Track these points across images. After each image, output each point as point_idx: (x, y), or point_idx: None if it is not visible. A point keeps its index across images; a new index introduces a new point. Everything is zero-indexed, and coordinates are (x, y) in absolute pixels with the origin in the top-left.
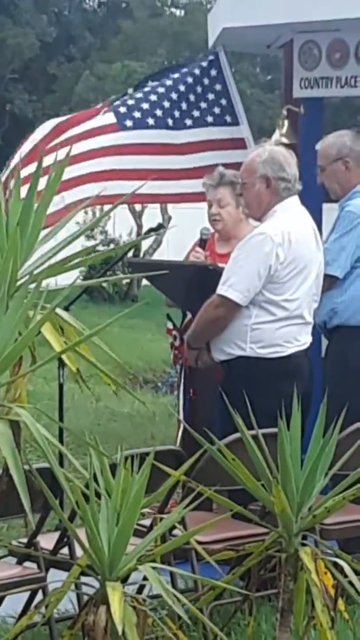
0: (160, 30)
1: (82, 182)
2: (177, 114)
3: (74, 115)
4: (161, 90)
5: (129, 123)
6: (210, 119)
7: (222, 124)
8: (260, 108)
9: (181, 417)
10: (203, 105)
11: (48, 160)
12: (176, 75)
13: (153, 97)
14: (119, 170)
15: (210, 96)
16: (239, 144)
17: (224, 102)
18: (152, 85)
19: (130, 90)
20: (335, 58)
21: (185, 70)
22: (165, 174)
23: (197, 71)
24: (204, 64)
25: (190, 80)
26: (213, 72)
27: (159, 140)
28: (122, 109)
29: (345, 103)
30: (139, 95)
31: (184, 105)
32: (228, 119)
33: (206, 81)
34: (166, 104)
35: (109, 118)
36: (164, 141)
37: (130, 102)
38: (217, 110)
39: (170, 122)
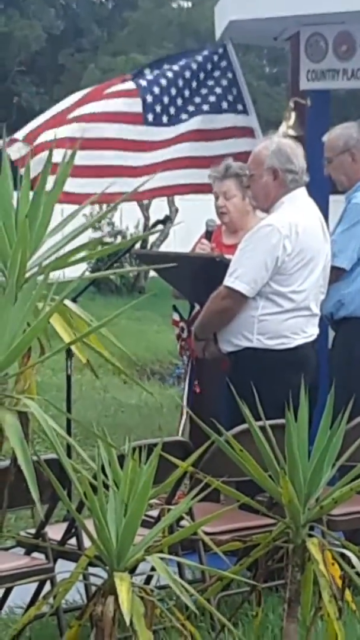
0: (168, 21)
1: (100, 174)
2: (191, 108)
3: (95, 88)
4: (181, 83)
5: (150, 117)
6: (225, 104)
7: (235, 111)
8: (267, 100)
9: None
10: (218, 90)
11: (63, 133)
12: (194, 67)
13: (173, 91)
14: (132, 167)
15: (224, 82)
16: (247, 131)
17: (235, 91)
18: (174, 71)
19: (147, 71)
20: (341, 50)
21: (199, 59)
22: (174, 164)
23: (209, 66)
24: (215, 58)
25: (202, 75)
26: (223, 64)
27: (171, 135)
28: (149, 98)
29: (352, 95)
30: (164, 82)
31: (197, 99)
32: (240, 107)
33: (217, 73)
34: (179, 102)
35: (137, 105)
36: (175, 134)
37: (156, 90)
38: (230, 97)
39: (184, 116)
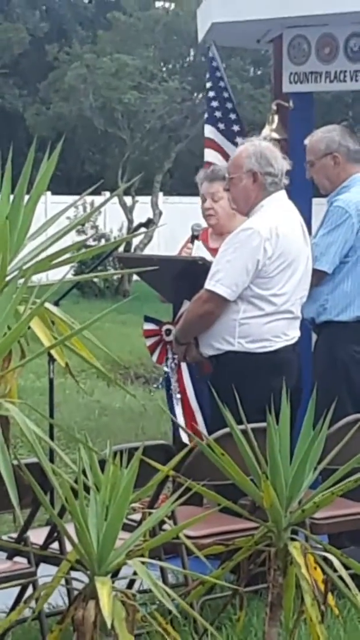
0: (153, 22)
1: None
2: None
3: None
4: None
5: None
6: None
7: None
8: (251, 103)
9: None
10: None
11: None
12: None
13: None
14: None
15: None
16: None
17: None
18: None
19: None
20: (324, 53)
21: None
22: None
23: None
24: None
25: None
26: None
27: None
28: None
29: (337, 99)
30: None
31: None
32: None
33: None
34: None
35: None
36: None
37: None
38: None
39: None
